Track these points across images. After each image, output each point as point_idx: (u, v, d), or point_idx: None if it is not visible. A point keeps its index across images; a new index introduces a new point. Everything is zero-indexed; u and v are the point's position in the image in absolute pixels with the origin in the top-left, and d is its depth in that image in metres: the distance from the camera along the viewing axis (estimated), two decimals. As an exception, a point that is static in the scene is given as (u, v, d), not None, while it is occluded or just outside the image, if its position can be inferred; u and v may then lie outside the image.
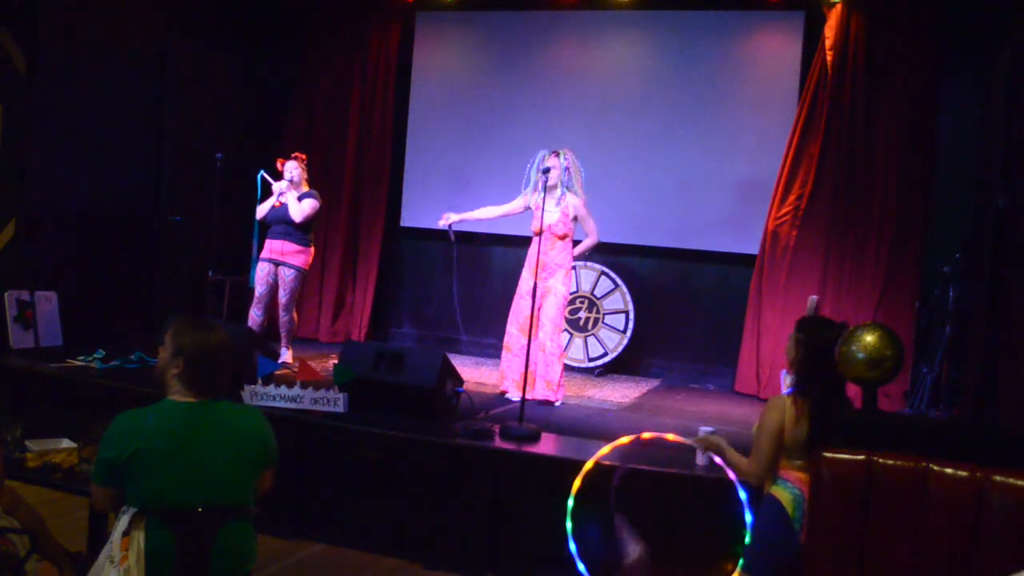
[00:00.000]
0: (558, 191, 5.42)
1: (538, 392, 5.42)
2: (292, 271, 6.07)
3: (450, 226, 5.71)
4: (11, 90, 5.80)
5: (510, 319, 5.60)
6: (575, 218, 5.49)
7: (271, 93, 7.89)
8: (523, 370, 5.03)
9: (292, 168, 6.12)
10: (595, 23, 7.34)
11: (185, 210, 6.70)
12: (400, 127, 7.83)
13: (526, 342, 5.22)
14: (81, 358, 5.36)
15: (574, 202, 5.46)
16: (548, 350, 5.46)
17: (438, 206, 7.68)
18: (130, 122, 6.55)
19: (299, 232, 6.07)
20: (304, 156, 6.30)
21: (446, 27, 7.83)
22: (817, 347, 3.10)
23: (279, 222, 6.09)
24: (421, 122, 7.83)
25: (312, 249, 6.21)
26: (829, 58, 6.36)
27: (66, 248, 6.10)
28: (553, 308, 5.46)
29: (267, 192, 6.16)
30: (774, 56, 6.91)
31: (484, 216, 5.85)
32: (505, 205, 5.73)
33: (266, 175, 6.14)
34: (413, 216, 7.87)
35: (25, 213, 5.84)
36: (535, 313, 5.16)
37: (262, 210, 6.15)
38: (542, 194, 5.13)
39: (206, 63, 7.11)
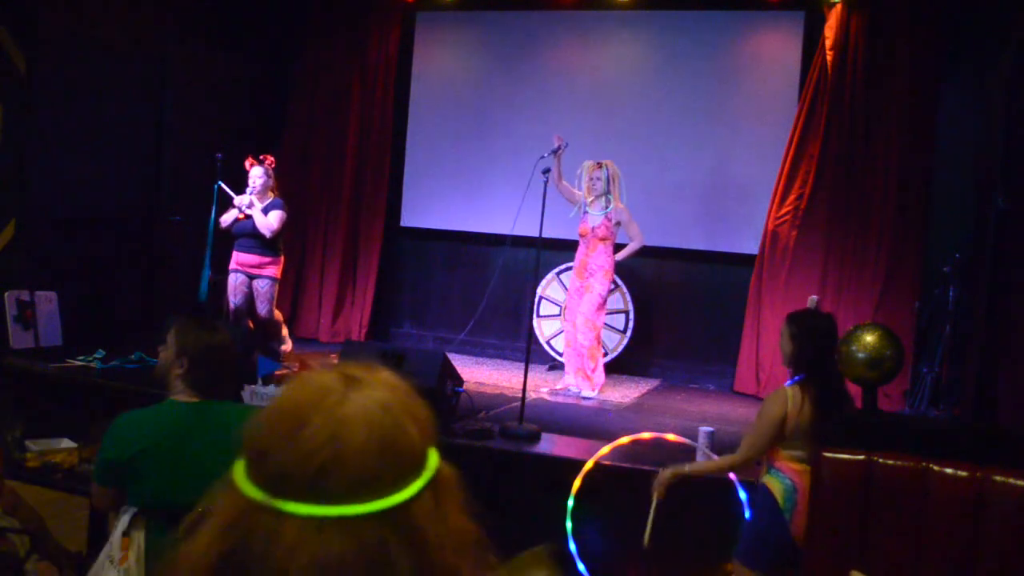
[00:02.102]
0: (603, 199, 5.86)
1: (572, 383, 5.92)
2: (267, 281, 5.94)
3: (560, 146, 5.75)
4: (11, 90, 5.80)
5: (565, 321, 6.18)
6: (618, 223, 5.88)
7: (271, 93, 7.89)
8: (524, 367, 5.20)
9: (258, 176, 5.88)
10: (595, 23, 7.34)
11: (185, 210, 6.70)
12: (400, 127, 7.83)
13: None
14: (81, 358, 5.36)
15: (619, 208, 5.85)
16: (578, 342, 5.86)
17: (438, 206, 7.72)
18: (130, 122, 6.55)
19: (269, 244, 5.90)
20: (273, 160, 6.08)
21: (446, 27, 7.83)
22: (810, 337, 3.06)
23: (246, 235, 5.90)
24: (421, 122, 7.83)
25: (283, 258, 6.09)
26: (829, 58, 6.35)
27: (66, 248, 6.09)
28: (586, 304, 5.83)
29: (223, 204, 5.93)
30: (774, 56, 6.90)
31: (558, 176, 5.86)
32: (574, 189, 5.97)
33: (224, 186, 5.92)
34: (413, 216, 7.87)
35: (25, 213, 5.84)
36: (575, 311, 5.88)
37: (226, 220, 5.92)
38: (589, 199, 5.84)
39: (206, 63, 7.10)
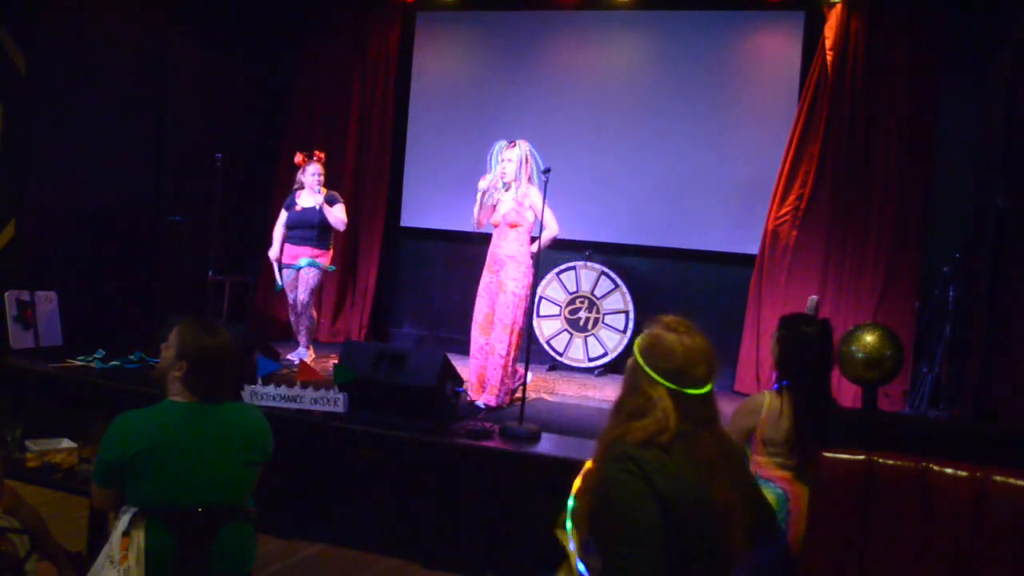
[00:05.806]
0: (515, 183, 5.22)
1: (484, 397, 5.17)
2: (313, 269, 6.11)
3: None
4: (11, 90, 5.80)
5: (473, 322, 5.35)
6: (530, 208, 5.20)
7: (271, 93, 7.90)
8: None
9: (314, 172, 6.15)
10: (595, 23, 7.34)
11: (185, 210, 6.70)
12: (400, 127, 7.83)
13: (483, 342, 5.23)
14: (81, 358, 5.36)
15: (531, 193, 5.19)
16: (496, 352, 5.14)
17: (438, 206, 7.72)
18: (130, 122, 6.55)
19: (321, 238, 6.11)
20: (323, 155, 6.35)
21: (446, 27, 7.83)
22: (797, 343, 3.02)
23: (300, 227, 6.10)
24: (421, 122, 7.83)
25: (332, 251, 6.27)
26: (829, 58, 6.36)
27: (66, 248, 6.09)
28: (503, 308, 5.14)
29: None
30: (774, 56, 6.90)
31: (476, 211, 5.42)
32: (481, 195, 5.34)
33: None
34: (413, 216, 7.87)
35: (25, 213, 5.84)
36: (492, 312, 5.22)
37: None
38: (501, 186, 5.22)
39: (206, 63, 7.11)
